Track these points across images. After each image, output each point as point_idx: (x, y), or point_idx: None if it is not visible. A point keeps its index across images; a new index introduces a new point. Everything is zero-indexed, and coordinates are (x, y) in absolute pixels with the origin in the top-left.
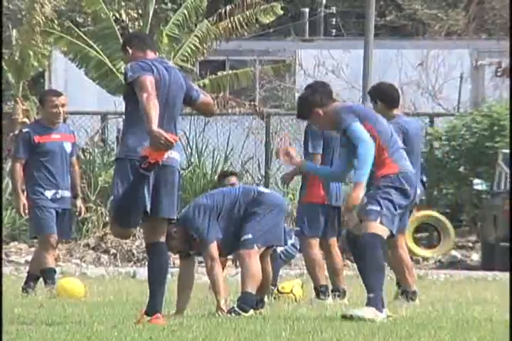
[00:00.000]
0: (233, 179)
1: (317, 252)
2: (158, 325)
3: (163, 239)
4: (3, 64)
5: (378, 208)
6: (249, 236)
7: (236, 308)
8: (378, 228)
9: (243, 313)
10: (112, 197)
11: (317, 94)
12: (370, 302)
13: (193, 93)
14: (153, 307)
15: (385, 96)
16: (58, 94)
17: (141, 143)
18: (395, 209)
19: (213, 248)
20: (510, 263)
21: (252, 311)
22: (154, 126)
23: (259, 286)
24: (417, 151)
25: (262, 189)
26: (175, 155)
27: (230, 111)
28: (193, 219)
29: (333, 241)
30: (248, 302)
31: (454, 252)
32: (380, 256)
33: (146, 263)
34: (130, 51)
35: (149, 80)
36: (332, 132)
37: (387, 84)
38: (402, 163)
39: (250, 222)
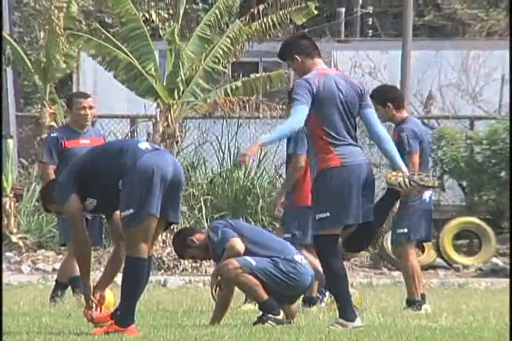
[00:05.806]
0: None
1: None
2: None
3: (151, 252)
4: (30, 66)
5: None
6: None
7: (266, 315)
8: None
9: (275, 317)
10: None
11: (307, 41)
12: None
13: None
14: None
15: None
16: (85, 96)
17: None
18: None
19: (236, 241)
20: (511, 266)
21: (281, 312)
22: None
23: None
24: None
25: (298, 258)
26: None
27: (262, 114)
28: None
29: None
30: (270, 306)
31: (495, 259)
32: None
33: (177, 272)
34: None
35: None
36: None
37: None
38: None
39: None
